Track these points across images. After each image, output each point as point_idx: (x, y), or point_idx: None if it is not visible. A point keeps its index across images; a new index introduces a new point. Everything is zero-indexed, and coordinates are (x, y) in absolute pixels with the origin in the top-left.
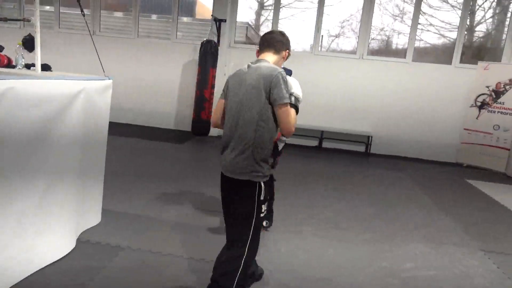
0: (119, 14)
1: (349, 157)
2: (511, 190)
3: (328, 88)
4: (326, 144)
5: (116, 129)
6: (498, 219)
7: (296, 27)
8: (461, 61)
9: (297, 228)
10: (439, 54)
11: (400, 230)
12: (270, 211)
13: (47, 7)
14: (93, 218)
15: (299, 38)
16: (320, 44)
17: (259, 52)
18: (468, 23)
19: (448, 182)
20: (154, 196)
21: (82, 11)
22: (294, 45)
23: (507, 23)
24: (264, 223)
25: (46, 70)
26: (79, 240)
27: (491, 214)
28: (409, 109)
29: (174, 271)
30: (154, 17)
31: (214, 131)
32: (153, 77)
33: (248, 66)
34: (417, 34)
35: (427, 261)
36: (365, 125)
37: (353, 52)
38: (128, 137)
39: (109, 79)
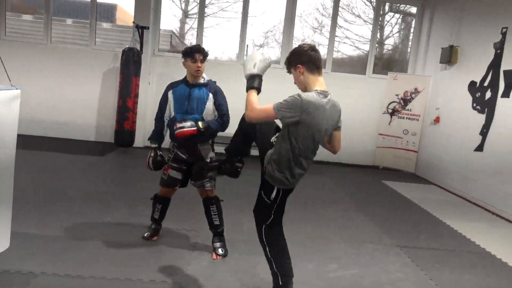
0: (28, 17)
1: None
2: (420, 188)
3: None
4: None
5: (28, 142)
6: (410, 216)
7: (221, 36)
8: (374, 72)
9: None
10: (355, 65)
11: (323, 232)
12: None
13: None
14: (0, 243)
15: (225, 48)
16: (245, 53)
17: (318, 73)
18: (378, 37)
19: (366, 183)
20: (70, 215)
21: None
22: (220, 54)
23: (411, 37)
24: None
25: None
26: None
27: (404, 211)
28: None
29: None
30: (69, 21)
31: (138, 142)
32: (70, 86)
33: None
34: (335, 46)
35: (350, 260)
36: None
37: (277, 62)
38: (42, 150)
39: (17, 89)
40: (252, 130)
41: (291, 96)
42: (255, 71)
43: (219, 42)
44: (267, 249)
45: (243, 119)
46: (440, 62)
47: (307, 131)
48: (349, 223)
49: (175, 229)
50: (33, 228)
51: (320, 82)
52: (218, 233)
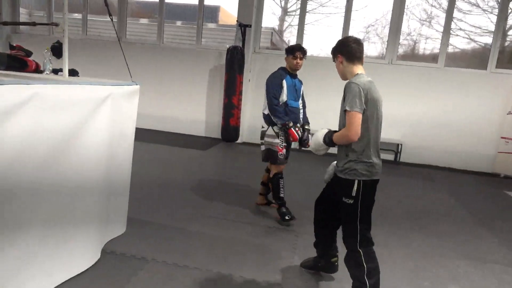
0: (144, 21)
1: None
2: None
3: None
4: None
5: (143, 135)
6: None
7: (321, 32)
8: (496, 67)
9: None
10: (469, 59)
11: (438, 247)
12: None
13: (75, 15)
14: (118, 227)
15: (323, 44)
16: None
17: (359, 63)
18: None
19: (486, 193)
20: (179, 205)
21: (110, 15)
22: (318, 51)
23: None
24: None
25: (74, 75)
26: (104, 251)
27: None
28: (442, 116)
29: (202, 286)
30: (178, 23)
31: (242, 138)
32: (179, 83)
33: (370, 81)
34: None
35: (472, 282)
36: (394, 132)
37: (381, 57)
38: (156, 143)
39: (136, 84)
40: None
41: (346, 89)
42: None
43: (318, 39)
44: (365, 271)
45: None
46: None
47: (373, 108)
48: (468, 238)
49: (276, 228)
50: (145, 215)
51: (360, 70)
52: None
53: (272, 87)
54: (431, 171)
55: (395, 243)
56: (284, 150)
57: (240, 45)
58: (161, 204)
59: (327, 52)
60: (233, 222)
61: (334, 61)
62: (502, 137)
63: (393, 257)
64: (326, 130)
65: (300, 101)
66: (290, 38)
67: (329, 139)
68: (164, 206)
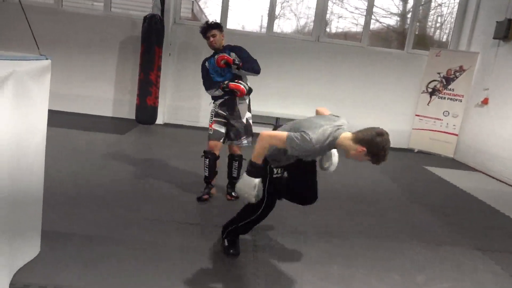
0: None
1: None
2: (467, 176)
3: (283, 72)
4: None
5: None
6: (471, 210)
7: (244, 6)
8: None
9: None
10: (389, 40)
11: (388, 230)
12: None
13: None
14: (31, 249)
15: (244, 18)
16: (261, 24)
17: None
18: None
19: (408, 169)
20: (107, 207)
21: None
22: (236, 25)
23: (455, 10)
24: None
25: None
26: (13, 286)
27: (464, 204)
28: (364, 94)
29: None
30: None
31: (163, 119)
32: (82, 55)
33: None
34: (355, 19)
35: (437, 270)
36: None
37: (308, 33)
38: (58, 127)
39: (47, 58)
40: None
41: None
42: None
43: (243, 13)
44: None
45: None
46: (493, 38)
47: None
48: (411, 219)
49: None
50: (64, 226)
51: None
52: (233, 182)
53: (202, 71)
54: None
55: (350, 230)
56: (215, 125)
57: (159, 14)
58: (82, 208)
59: (250, 27)
60: (179, 224)
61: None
62: (416, 115)
63: (355, 249)
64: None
65: (232, 71)
66: (210, 8)
67: None
68: (86, 211)
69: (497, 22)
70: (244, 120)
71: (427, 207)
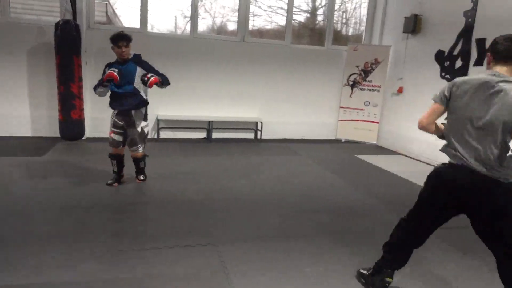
0: None
1: (239, 145)
2: (394, 159)
3: (210, 74)
4: (216, 135)
5: None
6: (408, 194)
7: (163, 8)
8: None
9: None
10: (301, 37)
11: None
12: None
13: None
14: None
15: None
16: (175, 25)
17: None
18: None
19: (345, 159)
20: (24, 260)
21: None
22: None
23: (365, 6)
24: None
25: None
26: None
27: (405, 190)
28: (291, 91)
29: None
30: None
31: (91, 133)
32: None
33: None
34: (270, 16)
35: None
36: (252, 110)
37: (232, 33)
38: None
39: None
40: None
41: None
42: None
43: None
44: None
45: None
46: (403, 32)
47: None
48: (361, 210)
49: (197, 246)
50: None
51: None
52: (140, 170)
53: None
54: (291, 145)
55: (311, 230)
56: (113, 135)
57: (71, 18)
58: (13, 255)
59: (161, 28)
60: (106, 283)
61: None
62: (341, 107)
63: (322, 247)
64: None
65: (135, 85)
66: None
67: None
68: (13, 258)
69: (405, 17)
70: (139, 129)
71: (371, 195)
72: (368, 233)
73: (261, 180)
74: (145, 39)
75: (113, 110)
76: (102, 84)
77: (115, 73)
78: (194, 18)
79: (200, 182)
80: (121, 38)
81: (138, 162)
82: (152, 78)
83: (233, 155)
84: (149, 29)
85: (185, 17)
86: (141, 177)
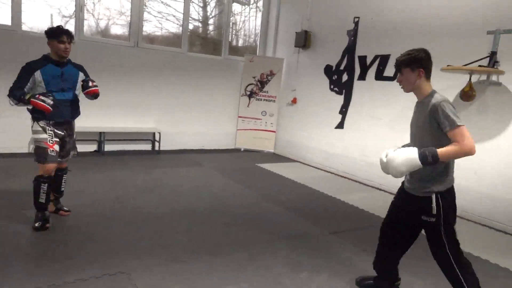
0: None
1: (137, 158)
2: (290, 167)
3: (102, 81)
4: (108, 147)
5: None
6: (317, 200)
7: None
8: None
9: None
10: (193, 45)
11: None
12: None
13: None
14: None
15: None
16: (51, 24)
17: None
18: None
19: (248, 170)
20: None
21: None
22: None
23: (254, 19)
24: None
25: None
26: None
27: (311, 197)
28: (191, 100)
29: None
30: None
31: None
32: None
33: None
34: (160, 23)
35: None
36: (149, 121)
37: (125, 38)
38: None
39: None
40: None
41: (447, 107)
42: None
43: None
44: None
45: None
46: (295, 46)
47: None
48: (272, 218)
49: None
50: None
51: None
52: (60, 196)
53: (19, 76)
54: (192, 155)
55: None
56: (56, 146)
57: None
58: None
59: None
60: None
61: (400, 73)
62: (239, 116)
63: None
64: (414, 149)
65: (76, 92)
66: None
67: (434, 157)
68: None
69: (296, 32)
70: (75, 136)
71: (276, 203)
72: (275, 241)
73: (166, 195)
74: (19, 38)
75: (43, 119)
76: (24, 102)
77: (49, 107)
78: (79, 18)
79: (96, 201)
80: (64, 32)
81: (64, 174)
82: (96, 88)
83: (132, 168)
84: (23, 28)
85: (64, 16)
86: (65, 208)
